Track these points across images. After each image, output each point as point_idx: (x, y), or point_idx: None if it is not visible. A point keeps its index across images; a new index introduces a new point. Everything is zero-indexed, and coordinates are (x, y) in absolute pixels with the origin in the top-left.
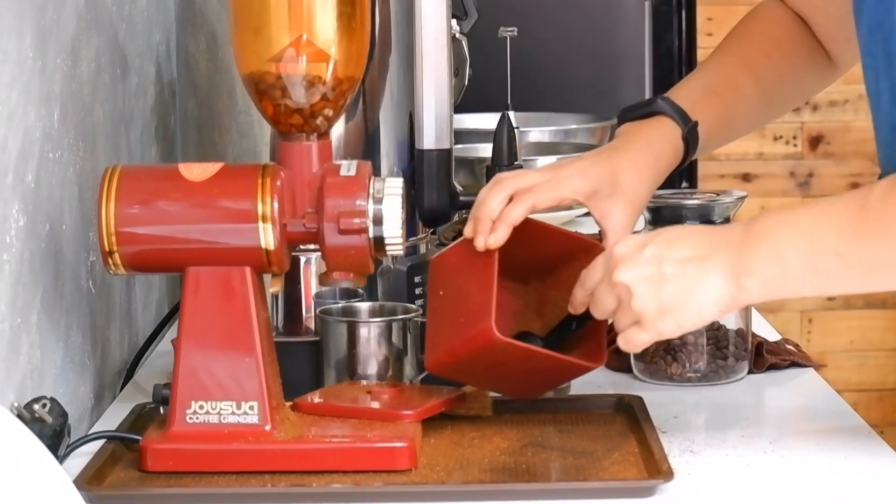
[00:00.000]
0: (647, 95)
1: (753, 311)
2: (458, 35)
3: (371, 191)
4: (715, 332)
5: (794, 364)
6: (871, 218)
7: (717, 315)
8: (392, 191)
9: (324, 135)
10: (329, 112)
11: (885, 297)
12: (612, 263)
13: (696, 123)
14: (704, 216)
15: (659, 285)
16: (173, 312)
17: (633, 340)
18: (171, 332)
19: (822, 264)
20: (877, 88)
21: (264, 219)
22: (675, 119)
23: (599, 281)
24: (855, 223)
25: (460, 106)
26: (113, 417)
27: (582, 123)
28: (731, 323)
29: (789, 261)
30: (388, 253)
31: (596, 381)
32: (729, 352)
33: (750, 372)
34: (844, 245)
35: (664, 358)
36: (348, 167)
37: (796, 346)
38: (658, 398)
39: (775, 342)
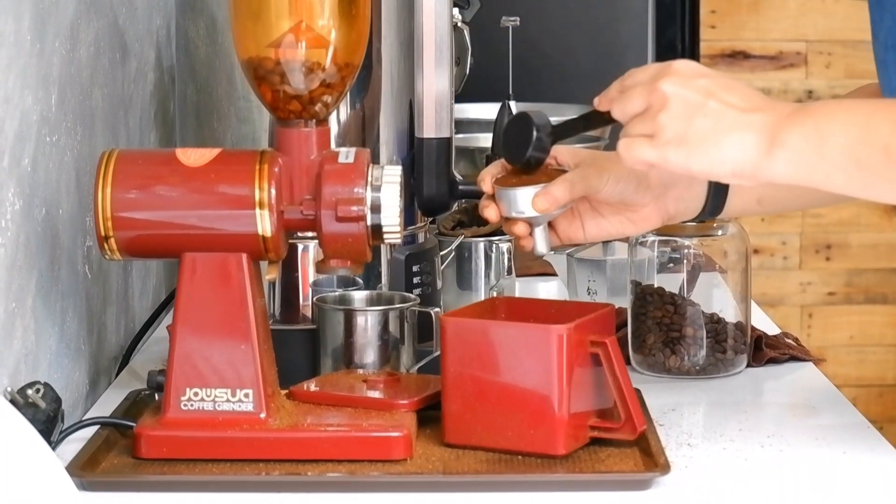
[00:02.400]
0: None
1: (753, 305)
2: (459, 24)
3: (369, 178)
4: (714, 326)
5: (794, 358)
6: None
7: (730, 175)
8: (390, 178)
9: (322, 121)
10: (328, 98)
11: (885, 292)
12: (663, 72)
13: None
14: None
15: (695, 113)
16: (170, 298)
17: (635, 150)
18: (167, 319)
19: (866, 156)
20: None
21: (261, 205)
22: None
23: (642, 83)
24: None
25: (461, 95)
26: (108, 403)
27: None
28: (731, 316)
29: (832, 142)
30: (386, 241)
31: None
32: (728, 345)
33: (749, 365)
34: (895, 141)
35: (663, 350)
36: (347, 154)
37: (796, 340)
38: (656, 391)
39: (774, 336)
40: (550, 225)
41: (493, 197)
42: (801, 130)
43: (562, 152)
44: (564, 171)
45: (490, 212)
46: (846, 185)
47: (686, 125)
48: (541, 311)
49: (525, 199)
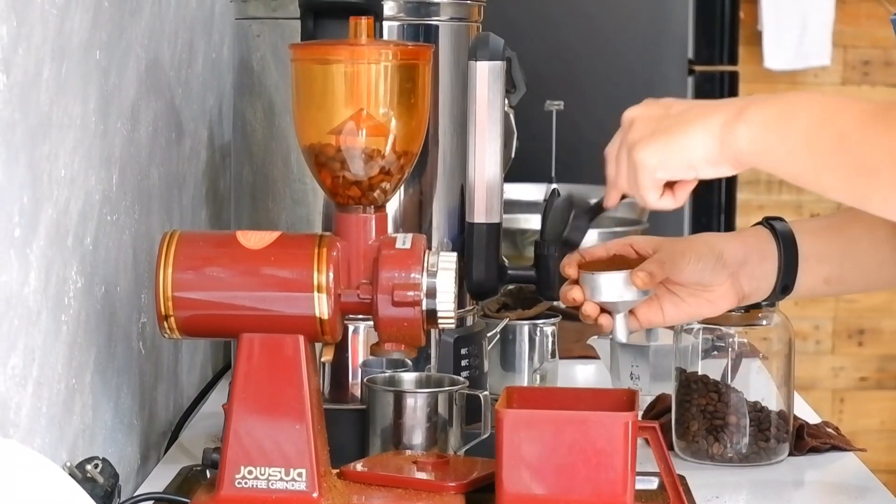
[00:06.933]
0: None
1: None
2: (506, 108)
3: (426, 264)
4: (758, 414)
5: (835, 448)
6: (887, 117)
7: (704, 158)
8: (446, 265)
9: (380, 207)
10: (387, 185)
11: None
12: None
13: (779, 218)
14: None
15: (660, 119)
16: (219, 375)
17: (620, 178)
18: (215, 394)
19: (821, 139)
20: None
21: (320, 289)
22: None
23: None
24: (872, 116)
25: (505, 177)
26: (159, 478)
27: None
28: (773, 404)
29: (794, 123)
30: (440, 326)
31: (637, 459)
32: (771, 433)
33: (791, 454)
34: (850, 129)
35: (706, 438)
36: (404, 240)
37: (836, 429)
38: (699, 478)
39: (816, 425)
40: (630, 311)
41: (576, 282)
42: (769, 109)
43: (638, 241)
44: (644, 259)
45: (576, 293)
46: (796, 171)
47: (654, 125)
48: (557, 400)
49: (610, 285)
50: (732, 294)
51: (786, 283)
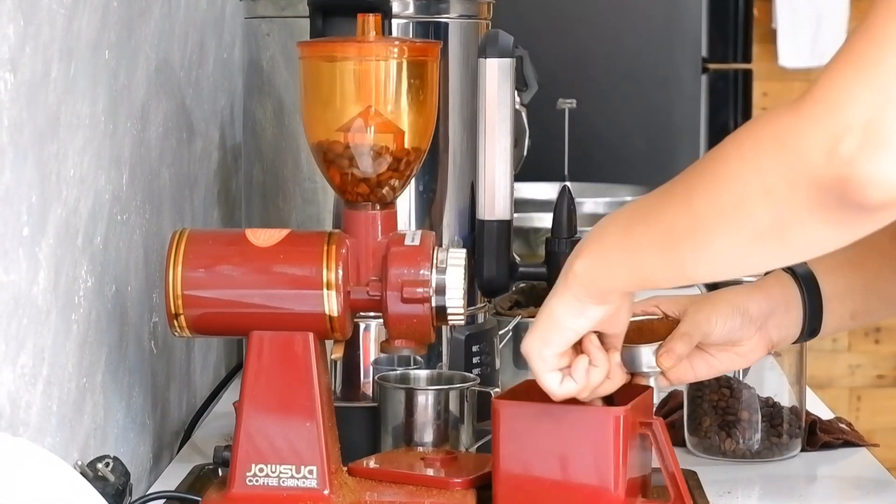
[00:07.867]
0: None
1: (806, 389)
2: (518, 106)
3: (435, 261)
4: (770, 410)
5: (847, 443)
6: (680, 180)
7: (563, 313)
8: (455, 261)
9: (389, 204)
10: (395, 182)
11: None
12: None
13: (803, 265)
14: None
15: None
16: (231, 375)
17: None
18: (228, 394)
19: (633, 227)
20: None
21: (329, 286)
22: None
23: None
24: (666, 188)
25: (518, 175)
26: (171, 477)
27: (636, 195)
28: (785, 400)
29: (610, 230)
30: (450, 322)
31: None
32: (783, 429)
33: (803, 449)
34: (652, 205)
35: (718, 433)
36: (413, 237)
37: (849, 424)
38: (711, 473)
39: (828, 421)
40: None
41: None
42: (585, 241)
43: (664, 302)
44: (671, 319)
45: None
46: (633, 266)
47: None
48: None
49: (648, 356)
50: (762, 345)
51: (812, 327)
